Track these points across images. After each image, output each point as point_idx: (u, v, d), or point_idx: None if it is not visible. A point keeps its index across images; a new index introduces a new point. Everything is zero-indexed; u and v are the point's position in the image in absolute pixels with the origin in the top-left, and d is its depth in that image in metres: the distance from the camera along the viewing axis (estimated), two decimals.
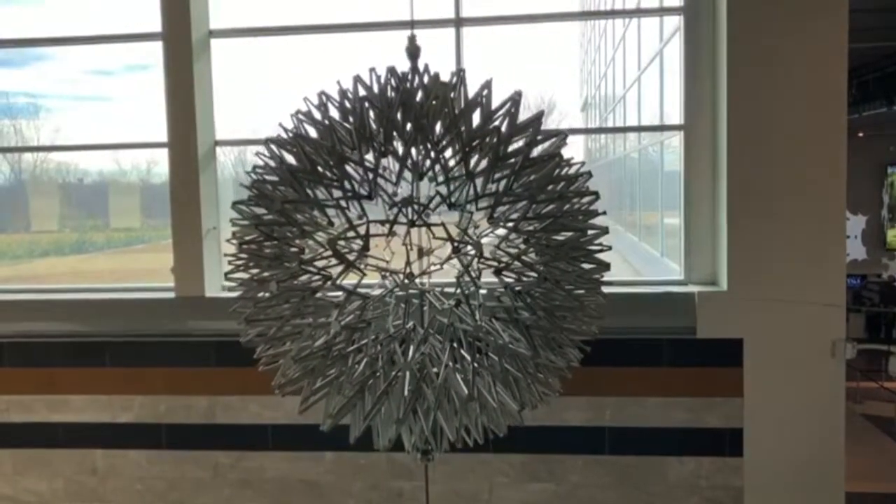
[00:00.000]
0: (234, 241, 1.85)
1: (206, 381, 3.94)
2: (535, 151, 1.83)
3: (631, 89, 6.53)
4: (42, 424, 4.06)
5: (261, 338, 1.85)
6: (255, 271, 1.82)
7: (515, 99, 1.82)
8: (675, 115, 3.99)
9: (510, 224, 1.73)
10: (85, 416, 4.03)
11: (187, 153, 3.92)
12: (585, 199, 1.82)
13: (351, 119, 1.77)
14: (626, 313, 3.70)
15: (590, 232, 1.81)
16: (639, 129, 6.42)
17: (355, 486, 3.93)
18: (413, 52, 1.94)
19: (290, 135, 1.85)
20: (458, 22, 3.86)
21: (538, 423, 3.76)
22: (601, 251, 1.87)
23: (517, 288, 1.74)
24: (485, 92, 1.82)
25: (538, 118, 1.82)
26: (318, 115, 1.84)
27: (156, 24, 3.90)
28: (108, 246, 5.06)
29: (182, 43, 3.89)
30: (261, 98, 4.35)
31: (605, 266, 1.87)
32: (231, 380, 3.91)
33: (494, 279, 1.81)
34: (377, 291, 1.91)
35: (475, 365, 1.66)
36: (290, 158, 1.82)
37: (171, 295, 4.01)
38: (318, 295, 1.77)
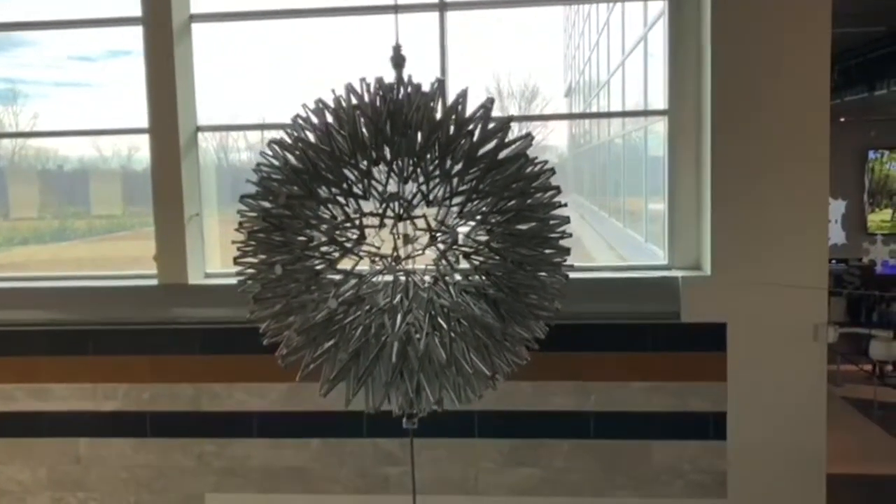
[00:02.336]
0: (244, 230, 2.48)
1: (190, 369, 4.56)
2: (505, 151, 2.46)
3: (615, 74, 7.13)
4: (24, 413, 4.67)
5: (268, 312, 2.48)
6: (262, 257, 2.45)
7: (487, 106, 2.47)
8: (659, 101, 4.57)
9: (479, 217, 2.37)
10: (68, 405, 4.64)
11: (169, 139, 4.51)
12: (549, 194, 2.46)
13: (346, 126, 2.39)
14: (610, 299, 4.32)
15: (552, 222, 2.45)
16: (623, 114, 7.03)
17: (342, 473, 4.56)
18: (398, 61, 2.55)
19: (293, 137, 2.47)
20: (443, 6, 4.43)
21: (524, 408, 4.39)
22: (562, 238, 2.51)
23: (485, 269, 2.38)
24: (461, 100, 2.44)
25: (507, 123, 2.47)
26: (315, 120, 2.46)
27: (136, 9, 4.44)
28: (89, 233, 5.62)
29: (163, 27, 4.46)
30: (243, 82, 4.89)
31: (566, 251, 2.51)
32: (216, 367, 4.54)
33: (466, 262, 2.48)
34: (370, 273, 2.56)
35: (452, 334, 2.29)
36: (292, 158, 2.44)
37: (154, 282, 4.62)
38: (320, 276, 2.40)
